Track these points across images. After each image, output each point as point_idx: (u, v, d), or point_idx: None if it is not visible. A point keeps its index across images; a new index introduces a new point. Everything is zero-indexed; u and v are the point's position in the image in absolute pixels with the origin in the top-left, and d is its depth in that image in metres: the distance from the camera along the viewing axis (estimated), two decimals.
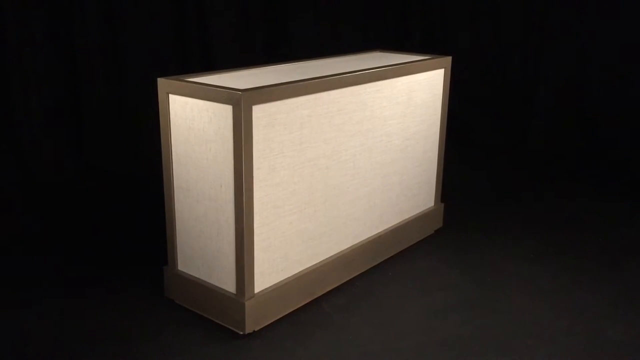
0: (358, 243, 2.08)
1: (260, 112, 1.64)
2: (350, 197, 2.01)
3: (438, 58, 2.26)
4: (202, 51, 3.19)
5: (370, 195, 2.10)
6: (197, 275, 1.84)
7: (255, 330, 1.77)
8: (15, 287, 2.01)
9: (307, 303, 1.92)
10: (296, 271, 1.88)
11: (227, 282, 1.77)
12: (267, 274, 1.78)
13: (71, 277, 2.07)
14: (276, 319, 1.83)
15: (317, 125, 1.82)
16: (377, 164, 2.09)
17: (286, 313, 1.86)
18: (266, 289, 1.79)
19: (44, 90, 2.90)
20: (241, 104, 1.58)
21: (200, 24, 3.15)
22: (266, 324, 1.80)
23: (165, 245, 1.91)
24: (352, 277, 2.08)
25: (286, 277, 1.85)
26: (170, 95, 1.75)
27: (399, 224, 2.25)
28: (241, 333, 1.75)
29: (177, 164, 1.79)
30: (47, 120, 2.94)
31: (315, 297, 1.95)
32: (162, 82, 1.76)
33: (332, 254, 1.99)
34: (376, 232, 2.16)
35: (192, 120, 1.71)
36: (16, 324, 1.81)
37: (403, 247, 2.29)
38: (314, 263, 1.93)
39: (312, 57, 2.23)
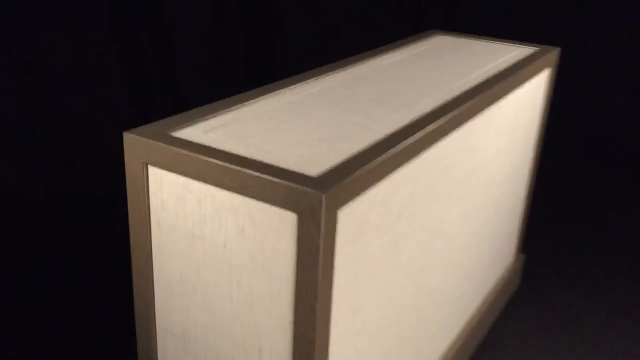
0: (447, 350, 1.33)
1: (349, 218, 0.83)
2: (440, 296, 1.24)
3: (547, 52, 1.47)
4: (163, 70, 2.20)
5: (460, 281, 1.33)
6: None
7: None
8: None
9: None
10: None
11: None
12: None
13: None
14: None
15: (418, 205, 1.02)
16: (472, 234, 1.32)
17: None
18: None
19: None
20: (321, 211, 0.76)
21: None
22: None
23: None
24: None
25: None
26: (152, 169, 0.90)
27: (484, 306, 1.51)
28: None
29: (163, 294, 0.96)
30: None
31: None
32: (131, 142, 0.89)
33: None
34: (462, 329, 1.41)
35: (197, 223, 0.87)
36: None
37: (487, 330, 1.56)
38: None
39: (345, 56, 1.40)
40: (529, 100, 1.42)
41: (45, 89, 2.06)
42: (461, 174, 1.15)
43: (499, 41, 1.56)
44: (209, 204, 0.85)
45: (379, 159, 0.85)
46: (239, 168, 0.80)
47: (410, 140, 0.92)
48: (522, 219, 1.66)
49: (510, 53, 1.46)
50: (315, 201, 0.75)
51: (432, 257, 1.13)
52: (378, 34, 2.29)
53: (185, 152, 0.84)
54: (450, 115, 1.03)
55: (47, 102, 2.07)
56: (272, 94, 1.09)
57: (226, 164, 0.81)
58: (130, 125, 1.00)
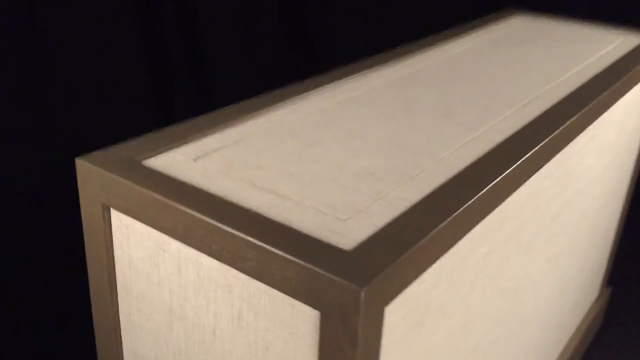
0: None
1: (401, 311, 0.54)
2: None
3: None
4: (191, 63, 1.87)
5: (540, 336, 1.03)
6: None
7: None
8: None
9: None
10: None
11: None
12: None
13: None
14: None
15: (497, 265, 0.72)
16: (559, 279, 1.01)
17: None
18: None
19: None
20: (359, 313, 0.48)
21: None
22: None
23: None
24: None
25: None
26: (115, 214, 0.62)
27: (565, 355, 1.21)
28: None
29: None
30: None
31: None
32: (87, 173, 0.62)
33: None
34: None
35: (176, 296, 0.60)
36: None
37: None
38: None
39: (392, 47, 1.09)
40: (636, 105, 1.10)
41: (57, 81, 1.81)
42: (553, 211, 0.85)
43: (597, 25, 1.23)
44: (192, 272, 0.57)
45: (451, 218, 0.55)
46: (231, 230, 0.52)
47: (496, 180, 0.62)
48: (612, 248, 1.34)
49: (614, 42, 1.13)
50: (349, 298, 0.46)
51: (510, 322, 0.84)
52: (436, 15, 1.97)
53: (156, 195, 0.56)
54: (548, 138, 0.72)
55: (56, 96, 1.82)
56: (298, 97, 0.80)
57: (213, 222, 0.53)
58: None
